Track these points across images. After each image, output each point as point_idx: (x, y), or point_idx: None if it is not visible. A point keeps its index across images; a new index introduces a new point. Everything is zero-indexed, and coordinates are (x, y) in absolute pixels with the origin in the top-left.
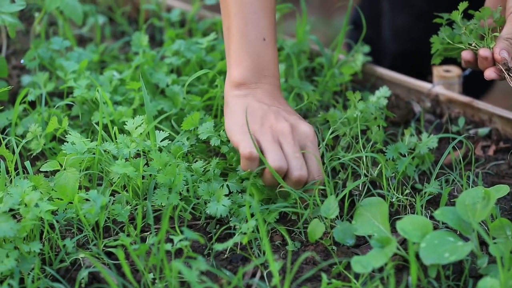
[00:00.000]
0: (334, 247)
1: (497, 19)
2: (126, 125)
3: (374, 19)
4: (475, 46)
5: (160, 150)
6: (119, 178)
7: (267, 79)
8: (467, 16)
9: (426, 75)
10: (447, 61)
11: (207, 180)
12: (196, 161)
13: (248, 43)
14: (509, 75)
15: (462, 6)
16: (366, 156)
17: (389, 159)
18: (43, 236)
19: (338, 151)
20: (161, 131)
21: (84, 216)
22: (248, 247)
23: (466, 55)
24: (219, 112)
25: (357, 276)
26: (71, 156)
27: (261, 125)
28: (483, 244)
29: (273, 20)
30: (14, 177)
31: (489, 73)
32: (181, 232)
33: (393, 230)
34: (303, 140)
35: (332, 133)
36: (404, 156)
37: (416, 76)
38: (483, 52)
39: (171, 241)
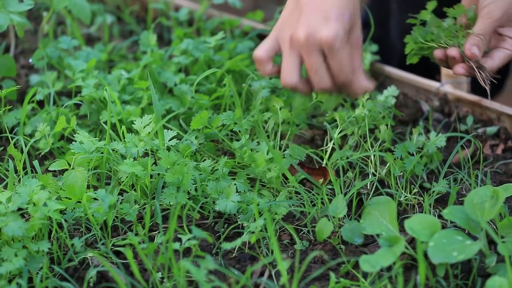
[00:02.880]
0: (342, 246)
1: (470, 17)
2: (134, 124)
3: (383, 19)
4: (446, 44)
5: (168, 149)
6: (127, 177)
7: None
8: (444, 16)
9: (433, 75)
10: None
11: (216, 179)
12: (204, 160)
13: None
14: (479, 73)
15: (431, 5)
16: (374, 155)
17: (397, 158)
18: (52, 235)
19: (346, 150)
20: (169, 130)
21: (93, 215)
22: (256, 246)
23: (438, 53)
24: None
25: (365, 275)
26: (80, 155)
27: (287, 30)
28: (491, 243)
29: None
30: (22, 176)
31: (458, 69)
32: (190, 231)
33: (402, 229)
34: (321, 47)
35: (340, 132)
36: (413, 155)
37: (423, 73)
38: (451, 52)
39: (179, 240)
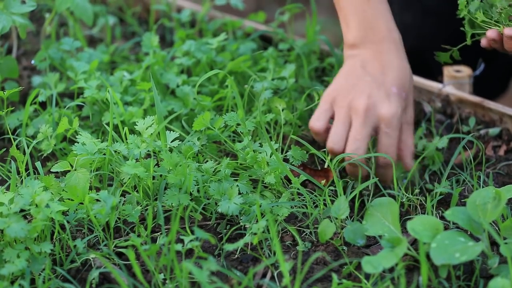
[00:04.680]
0: (344, 247)
1: None
2: (136, 125)
3: None
4: (499, 24)
5: (171, 150)
6: (129, 178)
7: (377, 35)
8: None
9: (435, 72)
10: (457, 61)
11: (218, 180)
12: (207, 161)
13: (351, 4)
14: None
15: None
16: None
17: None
18: (54, 237)
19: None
20: (171, 131)
21: (95, 216)
22: (259, 248)
23: (491, 34)
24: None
25: (367, 276)
26: (82, 157)
27: (345, 97)
28: (494, 244)
29: None
30: (25, 178)
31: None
32: (192, 232)
33: (404, 230)
34: (377, 122)
35: None
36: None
37: (425, 73)
38: (508, 31)
39: (182, 241)
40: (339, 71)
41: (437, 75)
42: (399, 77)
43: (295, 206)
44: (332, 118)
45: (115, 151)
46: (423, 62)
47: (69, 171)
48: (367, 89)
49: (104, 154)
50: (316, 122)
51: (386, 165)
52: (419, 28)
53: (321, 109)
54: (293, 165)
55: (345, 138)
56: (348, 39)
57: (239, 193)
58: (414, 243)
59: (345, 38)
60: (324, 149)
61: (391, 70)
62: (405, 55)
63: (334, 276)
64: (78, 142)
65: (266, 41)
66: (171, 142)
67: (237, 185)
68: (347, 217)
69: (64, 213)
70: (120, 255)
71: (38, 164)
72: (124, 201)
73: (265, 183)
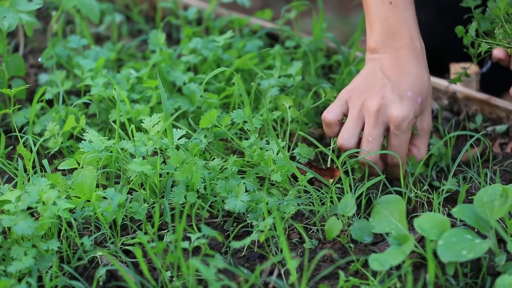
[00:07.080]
0: (351, 245)
1: None
2: (143, 123)
3: None
4: (508, 44)
5: (178, 148)
6: (136, 176)
7: (398, 42)
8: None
9: (443, 72)
10: (464, 58)
11: (225, 178)
12: (213, 158)
13: (376, 9)
14: None
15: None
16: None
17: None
18: (61, 234)
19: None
20: (178, 129)
21: (102, 214)
22: (266, 245)
23: (497, 53)
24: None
25: (374, 274)
26: (89, 154)
27: (360, 96)
28: (501, 241)
29: None
30: (32, 176)
31: None
32: (199, 230)
33: (411, 227)
34: (387, 123)
35: None
36: None
37: (439, 72)
38: None
39: (189, 239)
40: (358, 73)
41: (445, 71)
42: (415, 84)
43: (301, 203)
44: (345, 115)
45: (122, 149)
46: (437, 60)
47: (76, 168)
48: (382, 91)
49: (111, 152)
50: (330, 113)
51: (394, 165)
52: (434, 27)
53: (336, 103)
54: (299, 162)
55: (356, 136)
56: (370, 43)
57: (246, 191)
58: (421, 240)
59: (367, 42)
60: (330, 147)
61: (408, 75)
62: (426, 65)
63: (341, 274)
64: (85, 140)
65: (272, 38)
66: (178, 139)
67: (244, 183)
68: (354, 214)
69: (71, 210)
70: (127, 252)
71: (45, 161)
72: (131, 198)
73: (272, 181)
